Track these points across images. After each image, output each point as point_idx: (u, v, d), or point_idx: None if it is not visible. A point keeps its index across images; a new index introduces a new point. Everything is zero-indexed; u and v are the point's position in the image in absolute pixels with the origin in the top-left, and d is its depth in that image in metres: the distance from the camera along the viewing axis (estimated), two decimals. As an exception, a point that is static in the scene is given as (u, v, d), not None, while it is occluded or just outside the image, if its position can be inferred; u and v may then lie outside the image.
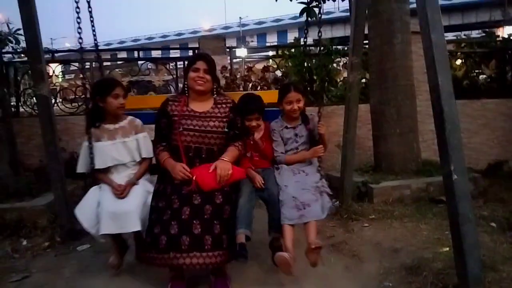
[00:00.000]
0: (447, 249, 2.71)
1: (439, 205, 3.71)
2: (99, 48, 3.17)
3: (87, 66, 6.37)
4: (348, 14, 7.70)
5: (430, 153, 4.77)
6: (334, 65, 6.04)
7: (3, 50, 4.99)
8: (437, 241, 2.94)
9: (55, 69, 5.95)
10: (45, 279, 2.67)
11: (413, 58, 4.53)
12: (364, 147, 5.04)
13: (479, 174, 4.37)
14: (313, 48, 5.85)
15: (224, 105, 2.73)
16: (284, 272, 2.38)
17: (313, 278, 2.55)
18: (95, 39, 3.18)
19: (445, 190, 2.24)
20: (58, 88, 6.42)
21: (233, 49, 6.51)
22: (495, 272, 2.37)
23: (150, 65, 6.90)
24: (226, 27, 43.09)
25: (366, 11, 3.96)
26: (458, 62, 6.54)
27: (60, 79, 8.02)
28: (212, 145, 2.63)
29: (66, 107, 5.58)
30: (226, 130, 2.65)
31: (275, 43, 31.29)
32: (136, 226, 2.42)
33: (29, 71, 5.29)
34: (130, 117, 2.81)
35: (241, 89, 5.58)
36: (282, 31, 39.80)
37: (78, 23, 2.82)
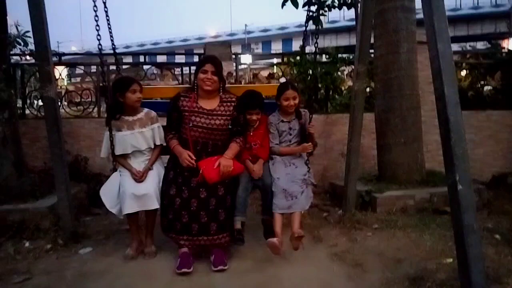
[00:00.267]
0: (451, 260, 2.68)
1: (442, 216, 3.69)
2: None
3: (93, 70, 6.45)
4: (353, 23, 7.72)
5: (434, 164, 4.75)
6: (339, 73, 6.05)
7: (12, 52, 5.02)
8: (441, 252, 2.91)
9: (61, 72, 5.99)
10: (47, 281, 2.66)
11: (418, 68, 4.53)
12: (368, 156, 5.03)
13: (483, 186, 4.34)
14: (318, 56, 5.86)
15: (228, 103, 3.10)
16: (274, 254, 2.86)
17: (315, 287, 2.53)
18: (113, 43, 3.41)
19: (450, 200, 2.23)
20: (63, 91, 6.45)
21: (239, 56, 6.54)
22: (500, 285, 2.35)
23: (155, 70, 6.94)
24: (232, 34, 43.25)
25: (373, 21, 3.97)
26: (463, 73, 6.55)
27: (66, 82, 8.05)
28: (217, 140, 3.04)
29: (72, 109, 5.61)
30: (229, 127, 3.05)
31: (280, 51, 31.36)
32: (155, 205, 2.93)
33: (36, 73, 5.34)
34: (146, 110, 3.20)
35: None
36: (287, 39, 39.93)
37: (97, 30, 3.08)
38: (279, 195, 2.95)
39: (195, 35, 43.62)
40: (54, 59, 5.58)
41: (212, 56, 3.26)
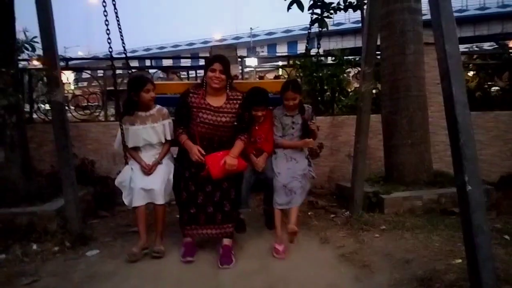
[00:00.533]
0: (460, 261, 2.66)
1: (451, 217, 3.66)
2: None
3: (100, 74, 6.48)
4: (359, 25, 7.70)
5: (442, 165, 4.72)
6: (345, 75, 6.03)
7: (19, 57, 5.05)
8: (450, 253, 2.88)
9: (68, 76, 6.04)
10: (54, 283, 2.67)
11: (425, 69, 4.51)
12: (374, 157, 5.00)
13: (492, 186, 4.30)
14: (323, 58, 5.86)
15: (234, 101, 3.25)
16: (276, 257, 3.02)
17: (323, 288, 2.52)
18: (124, 47, 3.51)
19: (459, 201, 2.21)
20: (70, 96, 6.49)
21: (244, 59, 6.54)
22: (510, 286, 2.32)
23: (161, 74, 6.96)
24: (237, 37, 43.35)
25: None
26: (471, 73, 6.50)
27: (72, 87, 8.11)
28: (223, 136, 3.21)
29: (79, 113, 5.64)
30: (235, 124, 3.20)
31: (285, 54, 31.39)
32: (161, 200, 3.07)
33: (43, 78, 5.37)
34: (158, 106, 3.36)
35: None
36: (292, 41, 39.93)
37: (108, 34, 3.25)
38: (279, 191, 3.14)
39: (201, 39, 43.80)
40: (62, 64, 5.62)
41: (221, 55, 3.35)
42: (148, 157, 3.27)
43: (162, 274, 2.78)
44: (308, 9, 5.00)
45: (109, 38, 3.26)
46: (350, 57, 5.99)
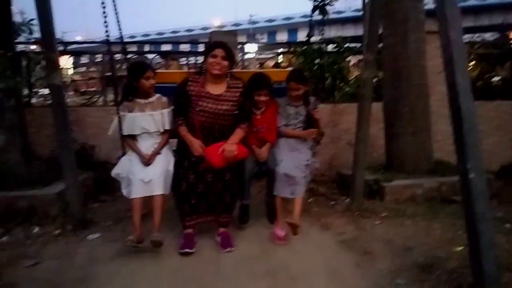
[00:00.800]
0: (461, 248, 2.66)
1: (451, 205, 3.67)
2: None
3: (100, 59, 6.40)
4: (359, 13, 7.65)
5: (443, 154, 4.71)
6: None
7: (16, 40, 4.99)
8: (451, 241, 2.90)
9: (66, 61, 5.97)
10: (56, 266, 2.68)
11: (427, 58, 4.48)
12: (375, 146, 4.99)
13: (492, 176, 4.31)
14: (324, 45, 5.81)
15: (235, 89, 3.15)
16: (277, 244, 3.01)
17: (324, 274, 2.54)
18: (120, 31, 3.41)
19: (461, 188, 2.20)
20: (69, 81, 6.44)
21: (244, 45, 6.48)
22: (511, 273, 2.33)
23: (160, 60, 6.88)
24: (236, 24, 42.99)
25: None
26: (472, 63, 6.47)
27: (71, 72, 8.02)
28: (224, 125, 3.11)
29: (78, 98, 5.60)
30: (236, 112, 3.10)
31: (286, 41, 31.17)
32: (159, 190, 2.90)
33: (41, 62, 5.31)
34: (158, 95, 3.24)
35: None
36: (292, 29, 39.65)
37: (104, 17, 3.10)
38: (281, 179, 3.05)
39: (200, 25, 43.42)
40: (60, 48, 5.55)
41: (222, 41, 3.25)
42: (146, 147, 3.13)
43: (163, 259, 2.78)
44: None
45: (105, 22, 3.11)
46: (351, 45, 5.95)
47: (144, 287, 2.42)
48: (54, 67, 3.23)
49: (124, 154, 3.20)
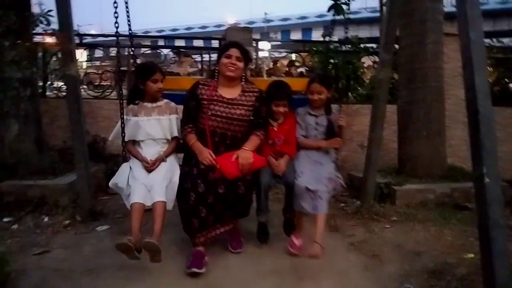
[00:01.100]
0: (472, 255, 2.63)
1: (463, 212, 3.61)
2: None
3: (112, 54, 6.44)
4: (375, 14, 7.55)
5: (456, 159, 4.65)
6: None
7: (34, 31, 5.05)
8: (461, 247, 2.85)
9: (81, 54, 6.02)
10: (65, 255, 2.71)
11: (444, 60, 4.41)
12: (388, 149, 4.93)
13: (507, 184, 4.22)
14: (338, 45, 5.75)
15: (250, 94, 2.88)
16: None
17: (332, 276, 2.51)
18: (129, 25, 3.16)
19: (476, 193, 2.16)
20: (83, 73, 6.49)
21: (259, 42, 6.44)
22: (524, 282, 2.28)
23: (173, 56, 6.89)
24: (251, 22, 42.85)
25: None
26: (490, 68, 6.36)
27: (85, 65, 8.09)
28: (237, 132, 2.80)
29: (92, 91, 5.65)
30: (251, 118, 2.81)
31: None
32: (161, 197, 2.56)
33: (57, 53, 5.36)
34: (166, 100, 3.01)
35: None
36: (306, 28, 39.46)
37: (115, 7, 2.93)
38: (302, 194, 2.70)
39: (214, 23, 43.45)
40: (76, 41, 5.59)
41: (238, 42, 3.05)
42: (150, 154, 2.82)
43: (171, 249, 2.79)
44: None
45: (115, 12, 2.91)
46: (367, 45, 5.89)
47: (150, 279, 2.42)
48: (70, 58, 3.27)
49: (125, 160, 2.95)
